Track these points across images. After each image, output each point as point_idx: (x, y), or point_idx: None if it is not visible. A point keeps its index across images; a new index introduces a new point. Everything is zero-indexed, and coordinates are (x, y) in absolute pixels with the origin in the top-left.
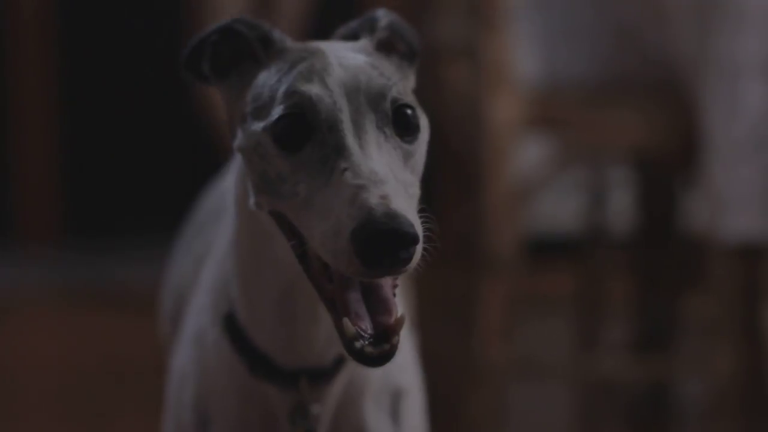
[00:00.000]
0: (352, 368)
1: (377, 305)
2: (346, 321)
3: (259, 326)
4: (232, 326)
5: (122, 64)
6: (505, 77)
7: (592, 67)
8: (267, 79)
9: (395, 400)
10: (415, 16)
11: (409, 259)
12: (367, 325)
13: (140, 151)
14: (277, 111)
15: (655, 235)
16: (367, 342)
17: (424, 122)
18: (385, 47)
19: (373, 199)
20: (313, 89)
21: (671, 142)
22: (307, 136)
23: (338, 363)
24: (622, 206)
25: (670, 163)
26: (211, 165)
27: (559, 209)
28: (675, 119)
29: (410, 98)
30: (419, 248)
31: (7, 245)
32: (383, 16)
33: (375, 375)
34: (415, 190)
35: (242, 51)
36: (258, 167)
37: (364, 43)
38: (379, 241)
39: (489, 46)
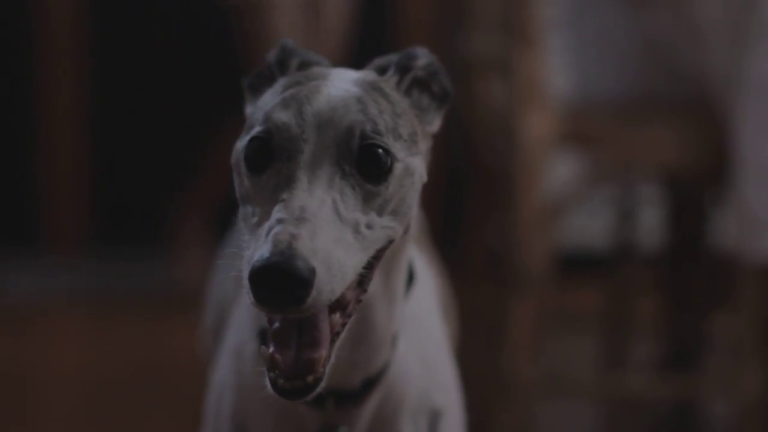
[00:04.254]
0: (387, 388)
1: (306, 339)
2: (263, 349)
3: None
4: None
5: (153, 73)
6: (538, 93)
7: (625, 84)
8: (265, 99)
9: (433, 420)
10: (450, 32)
11: (301, 300)
12: (288, 358)
13: (169, 159)
14: (253, 132)
15: (684, 253)
16: (280, 375)
17: (409, 164)
18: (419, 86)
19: (282, 235)
20: (284, 117)
21: (702, 160)
22: (270, 161)
23: (368, 386)
24: (651, 224)
25: (701, 181)
26: None
27: (589, 226)
28: (706, 137)
29: (396, 138)
30: (323, 292)
31: (33, 253)
32: (422, 56)
33: (411, 395)
34: (377, 234)
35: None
36: (235, 181)
37: (374, 78)
38: (265, 279)
39: (522, 62)
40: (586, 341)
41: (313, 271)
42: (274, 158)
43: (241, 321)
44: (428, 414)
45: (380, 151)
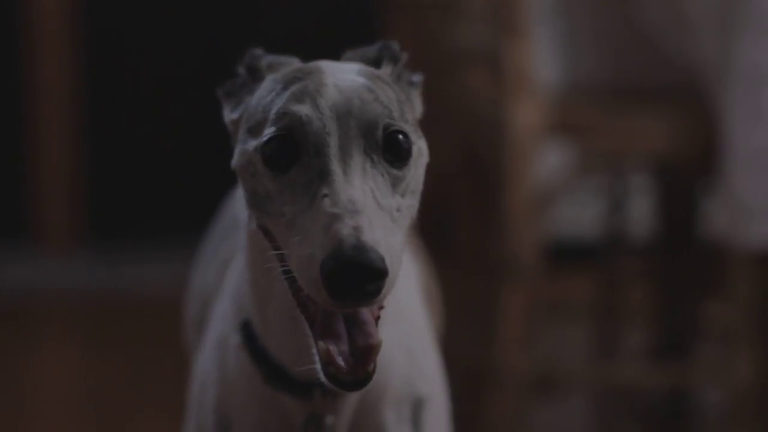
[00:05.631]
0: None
1: (356, 330)
2: (321, 344)
3: (272, 338)
4: (248, 335)
5: (146, 66)
6: (526, 83)
7: (614, 73)
8: (259, 98)
9: (417, 409)
10: (438, 23)
11: (377, 292)
12: (344, 349)
13: (163, 153)
14: (268, 131)
15: (675, 241)
16: (342, 367)
17: (420, 146)
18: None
19: (345, 229)
20: (303, 111)
21: (692, 148)
22: (294, 157)
23: None
24: (642, 212)
25: (691, 170)
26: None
27: (579, 215)
28: (696, 126)
29: (406, 123)
30: (390, 280)
31: (26, 248)
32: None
33: (394, 383)
34: (405, 214)
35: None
36: (249, 184)
37: (371, 69)
38: (346, 275)
39: (511, 53)
40: (577, 330)
41: (384, 261)
42: (299, 154)
43: (224, 312)
44: (411, 402)
45: (401, 137)
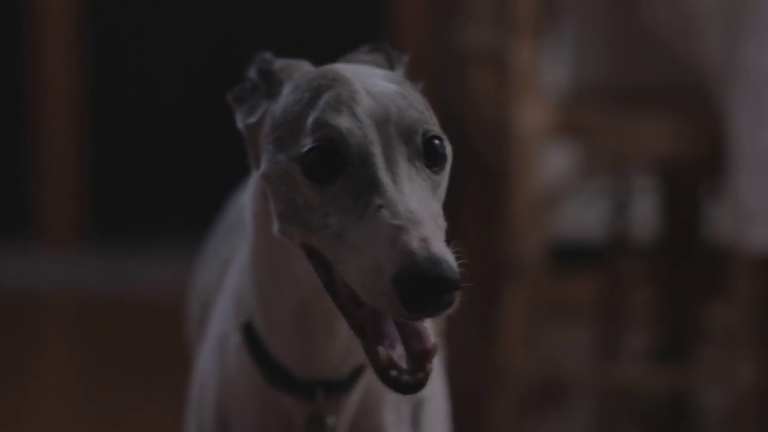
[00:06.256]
0: (369, 378)
1: (410, 332)
2: (381, 349)
3: (275, 338)
4: (250, 335)
5: (150, 63)
6: (531, 84)
7: (619, 75)
8: (286, 106)
9: (416, 408)
10: (444, 22)
11: (451, 302)
12: (401, 353)
13: (166, 150)
14: (306, 142)
15: (678, 243)
16: (404, 370)
17: (449, 151)
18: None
19: (414, 242)
20: (344, 122)
21: (697, 151)
22: (338, 169)
23: (355, 374)
24: (646, 214)
25: (695, 172)
26: (238, 167)
27: (583, 216)
28: (701, 128)
29: (438, 128)
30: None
31: (27, 245)
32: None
33: None
34: (443, 221)
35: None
36: (285, 195)
37: (393, 73)
38: (424, 288)
39: (516, 54)
40: (580, 332)
41: (456, 273)
42: (343, 165)
43: (224, 311)
44: (410, 402)
45: (437, 142)
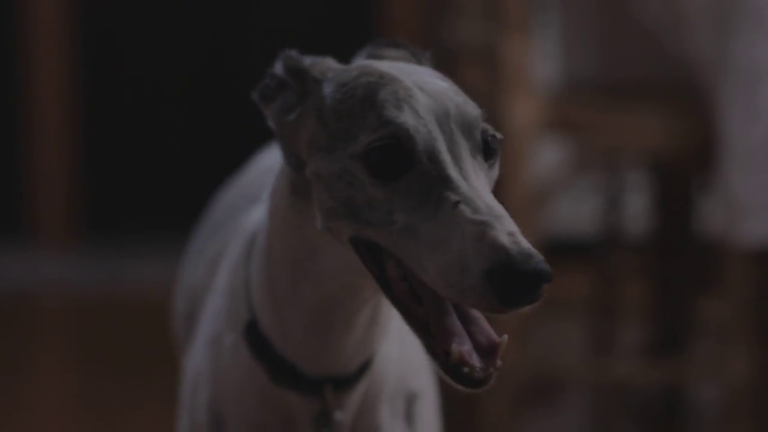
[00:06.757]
0: (371, 374)
1: (476, 329)
2: (454, 346)
3: (286, 336)
4: (253, 333)
5: (143, 62)
6: (523, 80)
7: (610, 71)
8: (335, 104)
9: (410, 403)
10: (435, 18)
11: (542, 295)
12: (470, 349)
13: (159, 149)
14: (368, 139)
15: (671, 238)
16: (476, 367)
17: (499, 145)
18: None
19: (503, 236)
20: (408, 119)
21: (688, 145)
22: (404, 166)
23: (362, 370)
24: (638, 209)
25: (687, 167)
26: (231, 165)
27: (576, 212)
28: (692, 123)
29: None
30: None
31: (21, 244)
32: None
33: (390, 380)
34: None
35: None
36: (342, 193)
37: (433, 70)
38: (522, 282)
39: (507, 49)
40: (573, 327)
41: (547, 265)
42: (409, 161)
43: (216, 310)
44: (405, 397)
45: (491, 137)
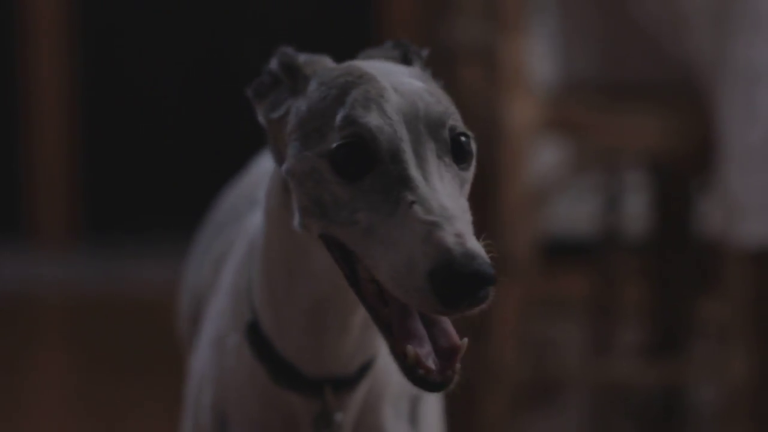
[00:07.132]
0: (373, 375)
1: (437, 331)
2: (409, 348)
3: (285, 336)
4: (254, 334)
5: (142, 61)
6: (521, 80)
7: (609, 70)
8: (311, 103)
9: (413, 404)
10: (433, 18)
11: (486, 297)
12: (428, 351)
13: (159, 148)
14: (335, 139)
15: (669, 239)
16: (432, 369)
17: (474, 147)
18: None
19: (448, 237)
20: (373, 119)
21: (687, 145)
22: (368, 165)
23: (362, 371)
24: (637, 210)
25: (686, 167)
26: (230, 164)
27: (574, 212)
28: (691, 123)
29: (462, 124)
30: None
31: (20, 244)
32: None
33: (394, 381)
34: (470, 216)
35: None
36: (311, 192)
37: (417, 69)
38: (461, 283)
39: (506, 49)
40: (572, 328)
41: (492, 267)
42: (373, 161)
43: (221, 310)
44: (409, 398)
45: (464, 138)
